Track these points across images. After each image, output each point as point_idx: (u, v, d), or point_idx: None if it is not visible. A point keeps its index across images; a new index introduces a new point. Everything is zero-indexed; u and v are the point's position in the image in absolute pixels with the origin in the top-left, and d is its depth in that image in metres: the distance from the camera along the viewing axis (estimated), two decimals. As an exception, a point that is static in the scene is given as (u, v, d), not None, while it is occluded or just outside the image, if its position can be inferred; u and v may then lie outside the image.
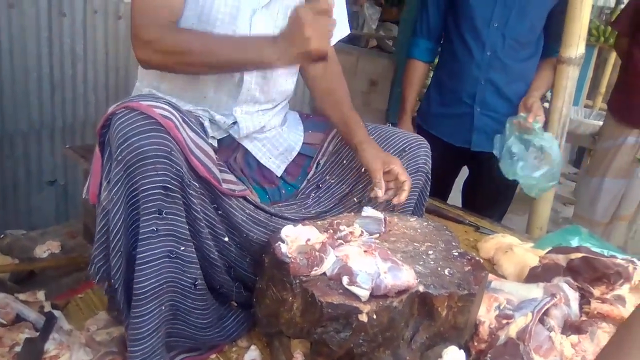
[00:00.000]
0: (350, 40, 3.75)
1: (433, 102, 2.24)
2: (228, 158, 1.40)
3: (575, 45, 2.04)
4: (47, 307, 1.33)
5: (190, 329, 1.15)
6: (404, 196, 1.37)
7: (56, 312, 1.30)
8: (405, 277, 1.07)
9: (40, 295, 1.37)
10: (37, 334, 1.22)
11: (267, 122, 1.43)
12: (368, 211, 1.37)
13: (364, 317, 1.03)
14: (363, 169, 1.44)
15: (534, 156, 2.01)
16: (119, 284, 1.07)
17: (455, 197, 2.52)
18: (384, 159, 1.39)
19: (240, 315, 1.29)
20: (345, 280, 1.06)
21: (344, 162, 1.51)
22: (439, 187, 2.09)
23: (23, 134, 2.21)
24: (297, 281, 1.09)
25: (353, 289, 1.04)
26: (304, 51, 1.12)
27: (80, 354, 1.17)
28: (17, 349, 1.16)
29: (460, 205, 2.43)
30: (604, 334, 1.35)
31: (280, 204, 1.41)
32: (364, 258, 1.10)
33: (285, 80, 1.43)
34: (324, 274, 1.10)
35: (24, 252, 1.60)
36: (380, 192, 1.36)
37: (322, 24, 1.12)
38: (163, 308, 1.07)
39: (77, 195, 2.23)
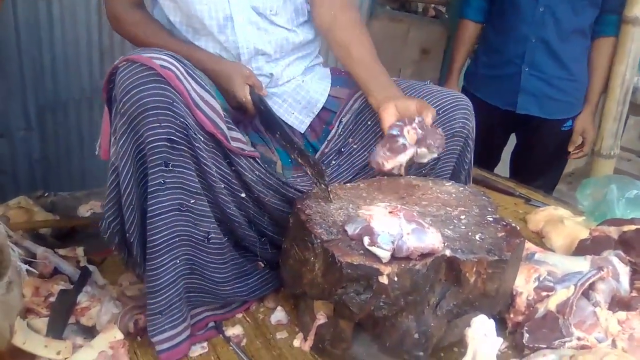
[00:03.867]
0: (402, 7, 3.64)
1: (480, 63, 2.16)
2: (252, 119, 1.38)
3: (642, 2, 1.88)
4: (84, 262, 1.38)
5: (207, 283, 1.16)
6: (428, 120, 1.22)
7: (91, 267, 1.35)
8: (430, 240, 1.02)
9: (79, 251, 1.42)
10: (72, 286, 1.27)
11: (279, 72, 1.38)
12: None
13: (384, 279, 1.00)
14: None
15: None
16: (134, 237, 1.09)
17: (504, 169, 2.41)
18: (397, 102, 1.24)
19: (266, 274, 1.29)
20: (366, 240, 1.02)
21: (369, 122, 1.40)
22: (485, 155, 2.01)
23: (75, 101, 2.28)
24: (319, 241, 1.06)
25: (373, 249, 1.01)
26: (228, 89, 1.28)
27: (110, 306, 1.20)
28: (52, 299, 1.21)
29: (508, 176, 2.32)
30: (656, 311, 1.25)
31: (296, 175, 1.37)
32: (388, 219, 1.05)
33: (288, 31, 1.36)
34: (346, 233, 1.07)
35: (68, 210, 1.66)
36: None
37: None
38: (178, 262, 1.08)
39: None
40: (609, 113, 2.11)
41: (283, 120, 1.38)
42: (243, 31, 1.30)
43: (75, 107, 2.30)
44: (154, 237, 1.04)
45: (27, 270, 1.21)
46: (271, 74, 1.37)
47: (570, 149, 2.12)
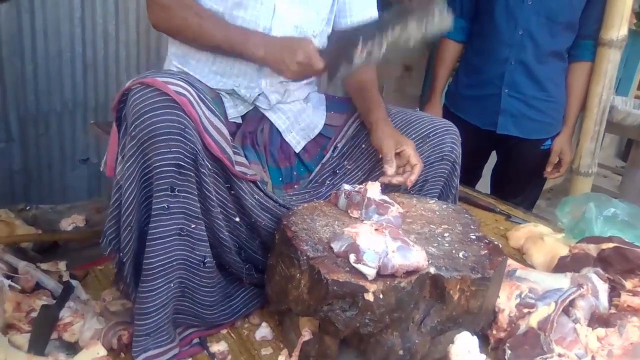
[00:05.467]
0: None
1: (460, 83, 2.19)
2: (255, 129, 1.39)
3: (617, 26, 1.94)
4: (66, 277, 1.36)
5: (196, 306, 1.16)
6: (412, 178, 1.32)
7: (74, 282, 1.33)
8: (415, 257, 1.04)
9: (62, 265, 1.40)
10: (54, 301, 1.25)
11: (291, 92, 1.41)
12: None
13: (370, 297, 1.01)
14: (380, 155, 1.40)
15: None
16: (127, 257, 1.08)
17: (484, 184, 2.45)
18: (397, 139, 1.35)
19: (249, 293, 1.29)
20: (352, 258, 1.03)
21: (363, 145, 1.47)
22: (467, 172, 2.04)
23: (57, 113, 2.27)
24: (305, 258, 1.07)
25: (359, 267, 1.02)
26: (283, 66, 1.21)
27: (92, 322, 1.18)
28: (34, 314, 1.19)
29: (489, 193, 2.36)
30: (633, 328, 1.28)
31: (292, 193, 1.40)
32: (373, 236, 1.07)
33: None
34: (332, 250, 1.08)
35: (50, 224, 1.64)
36: (390, 170, 1.31)
37: (311, 64, 1.20)
38: (172, 285, 1.08)
39: (108, 173, 2.29)
40: (587, 132, 2.16)
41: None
42: None
43: (57, 119, 2.28)
44: (151, 261, 1.04)
45: (8, 285, 1.19)
46: (286, 90, 1.40)
47: (548, 169, 2.16)
